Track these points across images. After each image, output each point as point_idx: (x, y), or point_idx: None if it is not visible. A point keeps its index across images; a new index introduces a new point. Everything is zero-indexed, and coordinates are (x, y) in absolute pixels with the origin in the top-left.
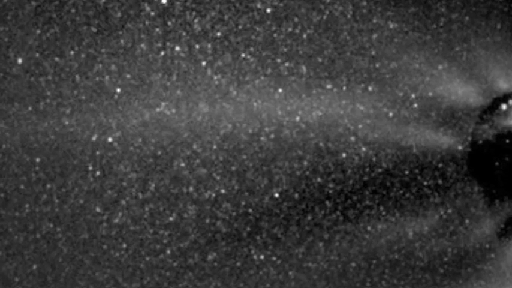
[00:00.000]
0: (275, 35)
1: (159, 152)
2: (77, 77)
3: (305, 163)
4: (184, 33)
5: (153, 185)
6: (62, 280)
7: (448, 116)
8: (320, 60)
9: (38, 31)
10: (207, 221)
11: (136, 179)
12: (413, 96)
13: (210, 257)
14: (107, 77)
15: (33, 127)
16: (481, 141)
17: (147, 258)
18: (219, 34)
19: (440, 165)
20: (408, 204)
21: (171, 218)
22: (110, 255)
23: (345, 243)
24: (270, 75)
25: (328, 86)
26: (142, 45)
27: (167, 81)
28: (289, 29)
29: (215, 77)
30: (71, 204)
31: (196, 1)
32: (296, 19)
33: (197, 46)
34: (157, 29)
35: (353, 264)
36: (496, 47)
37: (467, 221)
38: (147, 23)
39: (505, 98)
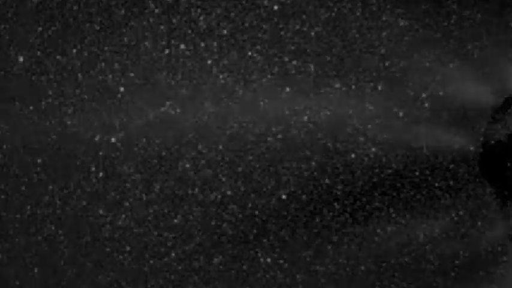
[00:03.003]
0: (282, 32)
1: (164, 153)
2: (80, 75)
3: (313, 164)
4: (189, 31)
5: (158, 187)
6: (64, 283)
7: (459, 115)
8: (328, 58)
9: (40, 29)
10: (213, 223)
11: (140, 180)
12: (424, 95)
13: (215, 260)
14: (110, 76)
15: (34, 127)
16: (493, 142)
17: (151, 261)
18: (225, 32)
19: (451, 166)
20: (418, 206)
21: (175, 220)
22: (113, 258)
23: (353, 245)
24: (277, 74)
25: (337, 85)
26: (147, 43)
27: (172, 80)
28: (297, 27)
29: (221, 76)
30: (73, 206)
31: None
32: (304, 16)
33: (202, 44)
34: (161, 27)
35: (362, 268)
36: (509, 45)
37: (479, 223)
38: (151, 20)
39: None
